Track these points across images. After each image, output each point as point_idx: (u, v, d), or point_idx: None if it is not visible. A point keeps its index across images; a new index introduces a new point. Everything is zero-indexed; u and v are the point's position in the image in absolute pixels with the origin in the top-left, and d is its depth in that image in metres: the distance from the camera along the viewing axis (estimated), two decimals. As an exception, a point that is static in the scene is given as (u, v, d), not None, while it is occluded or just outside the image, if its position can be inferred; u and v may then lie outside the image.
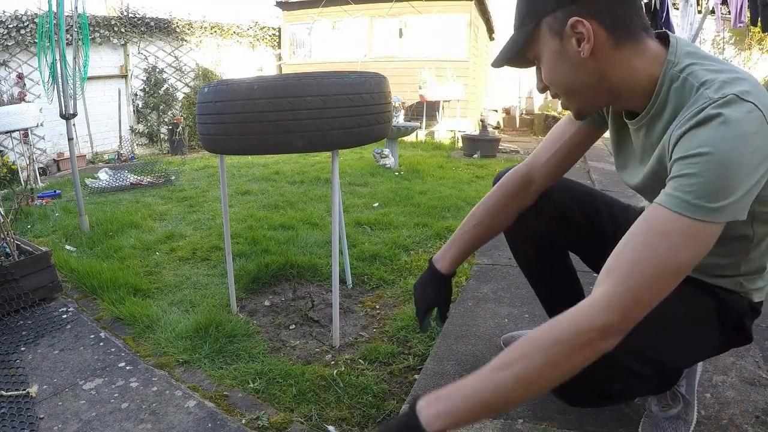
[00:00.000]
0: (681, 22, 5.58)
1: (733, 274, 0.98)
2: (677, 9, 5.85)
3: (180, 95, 8.33)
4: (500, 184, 1.24)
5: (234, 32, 9.05)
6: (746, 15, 4.84)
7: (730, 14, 5.04)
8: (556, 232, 1.26)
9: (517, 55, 0.89)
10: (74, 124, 3.51)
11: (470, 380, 0.78)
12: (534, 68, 0.93)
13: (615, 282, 0.75)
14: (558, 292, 1.39)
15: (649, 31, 0.85)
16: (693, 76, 0.81)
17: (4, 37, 5.98)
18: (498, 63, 0.94)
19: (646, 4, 6.00)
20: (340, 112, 1.54)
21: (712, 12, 5.58)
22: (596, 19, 0.80)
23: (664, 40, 0.87)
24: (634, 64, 0.84)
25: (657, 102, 0.86)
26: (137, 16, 7.67)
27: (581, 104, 0.92)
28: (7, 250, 2.21)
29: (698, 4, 5.64)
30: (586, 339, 0.74)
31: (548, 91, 0.93)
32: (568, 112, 1.07)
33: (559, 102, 0.94)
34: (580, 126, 1.12)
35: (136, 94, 7.83)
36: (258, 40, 9.49)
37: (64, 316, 2.10)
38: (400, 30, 8.57)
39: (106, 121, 7.37)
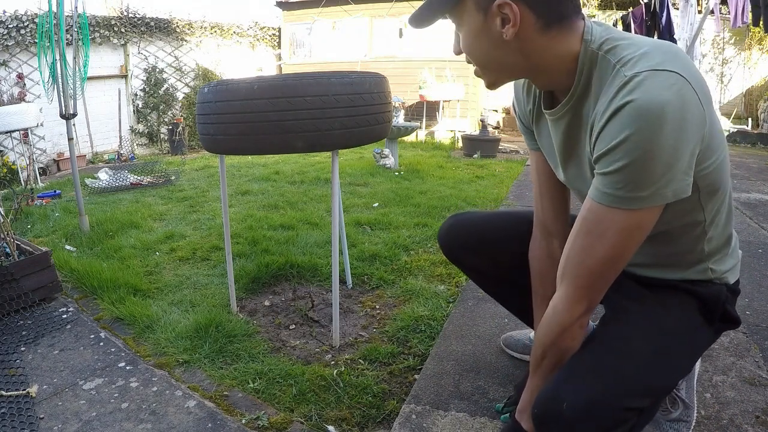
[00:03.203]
0: (681, 22, 5.58)
1: (699, 260, 0.95)
2: (677, 9, 5.85)
3: (180, 95, 8.32)
4: (534, 273, 1.18)
5: (234, 32, 9.05)
6: (748, 15, 4.84)
7: (730, 14, 5.04)
8: (489, 273, 1.33)
9: (437, 18, 0.86)
10: (74, 124, 3.51)
11: (525, 388, 1.04)
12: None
13: (569, 283, 0.86)
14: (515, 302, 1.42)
15: (580, 13, 0.83)
16: (611, 53, 0.79)
17: (4, 37, 5.98)
18: (418, 23, 0.87)
19: (646, 4, 6.00)
20: (340, 112, 1.54)
21: (713, 12, 5.58)
22: (525, 2, 0.78)
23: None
24: (560, 47, 0.82)
25: (580, 84, 0.84)
26: (137, 16, 7.67)
27: (495, 77, 0.89)
28: (7, 250, 2.21)
29: (698, 4, 5.64)
30: (570, 330, 0.88)
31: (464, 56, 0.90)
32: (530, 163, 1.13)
33: (474, 70, 0.91)
34: (539, 162, 1.09)
35: (136, 94, 7.83)
36: (258, 40, 9.48)
37: (64, 316, 2.10)
38: (400, 30, 8.56)
39: (106, 121, 7.37)
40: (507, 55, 0.83)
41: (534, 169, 1.13)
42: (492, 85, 0.92)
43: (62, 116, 3.18)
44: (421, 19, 0.87)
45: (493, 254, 1.28)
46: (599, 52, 0.80)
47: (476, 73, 0.91)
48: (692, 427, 1.20)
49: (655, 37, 5.92)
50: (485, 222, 1.32)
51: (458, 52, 0.91)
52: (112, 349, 1.81)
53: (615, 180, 0.75)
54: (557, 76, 0.86)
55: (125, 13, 7.63)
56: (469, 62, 0.90)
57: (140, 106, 7.86)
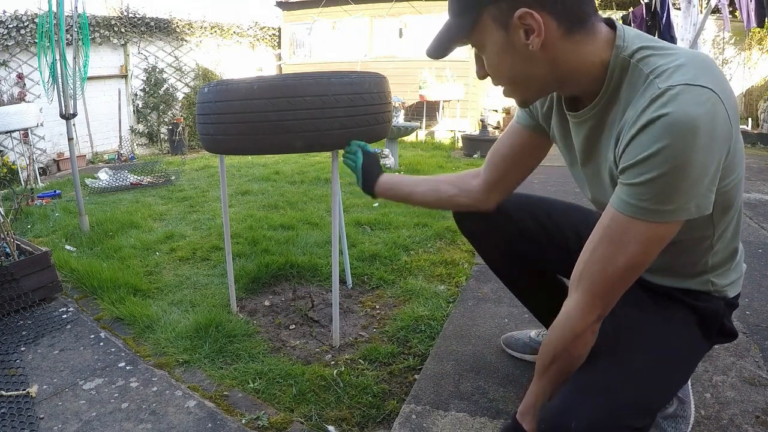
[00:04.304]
0: (683, 23, 5.57)
1: (702, 271, 0.95)
2: (678, 9, 5.85)
3: (180, 95, 8.32)
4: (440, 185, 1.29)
5: (234, 32, 9.05)
6: (755, 16, 4.83)
7: (734, 15, 5.03)
8: (519, 249, 1.29)
9: (457, 44, 0.85)
10: (74, 124, 3.51)
11: (529, 391, 1.01)
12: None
13: (584, 290, 0.86)
14: (534, 294, 1.42)
15: (598, 14, 0.82)
16: (644, 63, 0.78)
17: (4, 37, 5.98)
18: (437, 52, 0.87)
19: (646, 4, 6.00)
20: (340, 112, 1.54)
21: (713, 12, 5.57)
22: (545, 9, 0.76)
23: (610, 24, 0.84)
24: (586, 51, 0.81)
25: (609, 90, 0.83)
26: (137, 16, 7.67)
27: (527, 94, 0.90)
28: (7, 250, 2.21)
29: (699, 4, 5.63)
30: (582, 337, 0.88)
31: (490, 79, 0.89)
32: (510, 124, 1.14)
33: (502, 90, 0.90)
34: (522, 137, 1.12)
35: (136, 94, 7.83)
36: (258, 40, 9.48)
37: (64, 316, 2.10)
38: (400, 30, 8.56)
39: (106, 121, 7.36)
40: (535, 66, 0.82)
41: (510, 139, 1.14)
42: (524, 102, 0.92)
43: (62, 116, 3.18)
44: (439, 48, 0.86)
45: (506, 226, 1.28)
46: (631, 60, 0.79)
47: (505, 93, 0.90)
48: (691, 423, 1.20)
49: (656, 36, 5.91)
50: None
51: (483, 76, 0.89)
52: (112, 349, 1.81)
53: (641, 192, 0.75)
54: (585, 82, 0.85)
55: (125, 13, 7.63)
56: (496, 84, 0.88)
57: (140, 106, 7.86)
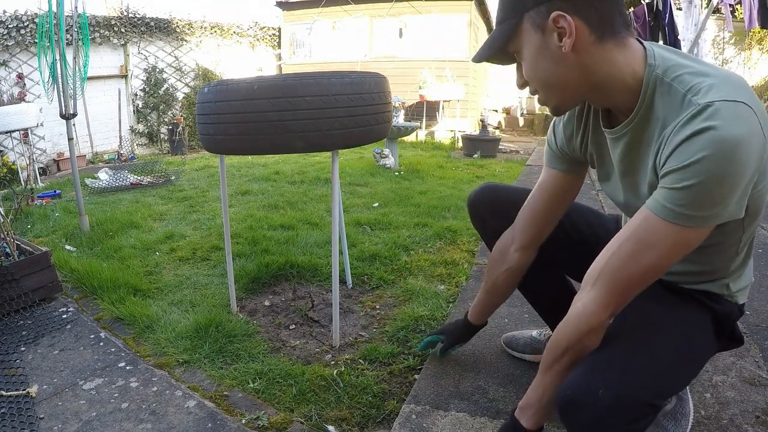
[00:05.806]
0: (685, 23, 5.57)
1: (723, 275, 0.99)
2: (679, 9, 5.84)
3: (180, 95, 8.32)
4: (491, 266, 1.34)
5: (234, 32, 9.05)
6: (758, 17, 4.82)
7: (734, 14, 5.01)
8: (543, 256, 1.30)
9: (499, 49, 0.89)
10: (74, 124, 3.51)
11: (533, 386, 1.02)
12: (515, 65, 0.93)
13: (605, 285, 0.87)
14: (542, 293, 1.45)
15: (630, 30, 0.85)
16: (678, 81, 0.81)
17: (4, 37, 5.98)
18: (479, 57, 0.93)
19: (648, 4, 6.00)
20: (340, 112, 1.54)
21: (714, 11, 5.56)
22: (579, 14, 0.80)
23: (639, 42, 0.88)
24: (617, 60, 0.84)
25: (643, 106, 0.86)
26: (137, 16, 7.67)
27: (560, 99, 0.92)
28: (7, 250, 2.21)
29: (701, 4, 5.62)
30: (596, 331, 0.90)
31: (528, 88, 0.92)
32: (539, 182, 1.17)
33: (536, 99, 0.94)
34: (551, 181, 1.15)
35: (136, 94, 7.83)
36: (258, 40, 9.49)
37: (64, 316, 2.10)
38: (400, 30, 8.57)
39: (106, 121, 7.37)
40: (568, 70, 0.85)
41: (545, 189, 1.16)
42: (557, 109, 0.95)
43: (62, 116, 3.18)
44: (485, 55, 0.92)
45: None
46: (665, 78, 0.82)
47: (540, 100, 0.93)
48: (691, 421, 1.21)
49: (659, 37, 5.92)
50: (516, 191, 1.36)
51: (522, 85, 0.93)
52: (112, 349, 1.81)
53: (679, 196, 0.78)
54: (618, 95, 0.88)
55: (125, 13, 7.63)
56: (534, 93, 0.92)
57: (140, 106, 7.86)
